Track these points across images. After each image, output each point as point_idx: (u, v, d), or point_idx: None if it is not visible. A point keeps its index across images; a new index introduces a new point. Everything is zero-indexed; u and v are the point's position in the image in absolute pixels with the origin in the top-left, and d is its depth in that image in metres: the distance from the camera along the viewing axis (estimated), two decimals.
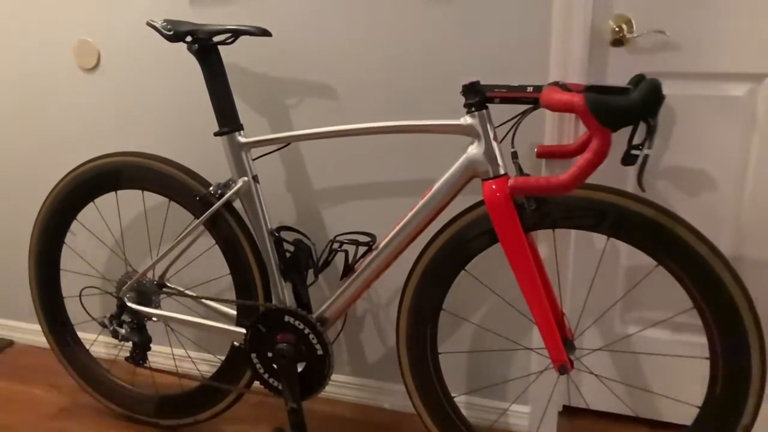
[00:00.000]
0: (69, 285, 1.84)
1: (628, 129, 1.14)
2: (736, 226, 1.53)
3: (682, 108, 1.48)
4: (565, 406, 1.82)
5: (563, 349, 1.27)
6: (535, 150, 1.38)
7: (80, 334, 1.87)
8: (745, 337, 1.18)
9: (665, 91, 1.46)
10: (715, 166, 1.50)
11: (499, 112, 1.29)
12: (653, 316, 1.64)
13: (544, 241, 1.55)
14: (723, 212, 1.52)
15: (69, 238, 1.77)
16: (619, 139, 1.30)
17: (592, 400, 1.77)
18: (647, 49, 1.47)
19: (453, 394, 1.49)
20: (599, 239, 1.63)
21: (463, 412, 1.77)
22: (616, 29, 1.46)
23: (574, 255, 1.66)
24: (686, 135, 1.50)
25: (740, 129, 1.46)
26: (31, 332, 2.23)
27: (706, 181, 1.52)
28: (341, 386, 1.89)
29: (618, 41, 1.48)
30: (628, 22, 1.46)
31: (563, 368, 1.27)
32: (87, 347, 1.86)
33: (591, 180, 1.24)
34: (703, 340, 1.24)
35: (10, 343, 2.26)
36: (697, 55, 1.44)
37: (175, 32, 1.42)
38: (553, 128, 1.48)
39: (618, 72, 1.50)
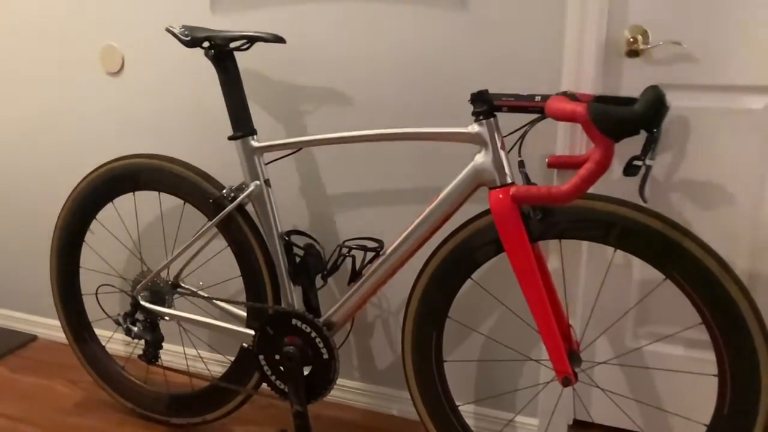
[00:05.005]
0: (87, 283, 1.89)
1: (639, 140, 1.13)
2: (753, 241, 1.49)
3: (699, 120, 1.46)
4: (576, 420, 1.80)
5: (567, 361, 1.26)
6: (546, 160, 1.37)
7: (98, 331, 1.91)
8: (755, 354, 1.16)
9: (681, 103, 1.46)
10: (731, 179, 1.47)
11: (510, 121, 1.29)
12: (667, 331, 1.61)
13: (554, 252, 1.54)
14: (739, 227, 1.49)
15: (88, 236, 1.82)
16: (629, 150, 1.29)
17: (603, 414, 1.74)
18: (663, 61, 1.45)
19: (458, 403, 1.48)
20: (612, 251, 1.61)
21: (472, 422, 1.77)
22: (632, 40, 1.45)
23: (586, 267, 1.64)
24: (702, 148, 1.47)
25: (758, 142, 1.43)
26: (53, 328, 2.28)
27: (722, 194, 1.49)
28: (350, 392, 1.90)
29: (633, 52, 1.46)
30: (644, 33, 1.45)
31: (567, 380, 1.26)
32: (104, 344, 1.90)
33: (607, 192, 1.23)
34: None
35: (33, 338, 2.32)
36: (714, 67, 1.42)
37: (192, 38, 1.45)
38: (565, 138, 1.47)
39: (633, 83, 1.48)
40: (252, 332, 1.55)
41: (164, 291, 1.69)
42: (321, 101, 1.68)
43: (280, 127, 1.75)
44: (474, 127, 1.26)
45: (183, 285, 1.71)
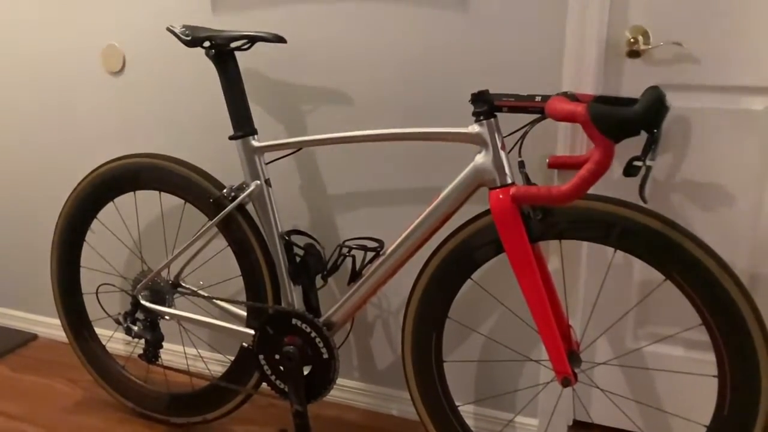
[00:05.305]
0: (88, 282, 1.89)
1: (639, 140, 1.14)
2: (753, 242, 1.49)
3: (699, 121, 1.46)
4: (576, 421, 1.80)
5: (567, 362, 1.26)
6: (547, 160, 1.37)
7: (99, 330, 1.91)
8: (755, 355, 1.16)
9: (682, 103, 1.46)
10: (732, 180, 1.47)
11: (510, 121, 1.29)
12: (667, 331, 1.61)
13: (554, 252, 1.54)
14: (740, 228, 1.49)
15: (89, 235, 1.82)
16: (629, 150, 1.29)
17: (603, 415, 1.74)
18: (664, 61, 1.45)
19: (458, 403, 1.48)
20: (612, 252, 1.61)
21: (472, 422, 1.77)
22: (632, 40, 1.45)
23: (586, 267, 1.64)
24: (703, 148, 1.47)
25: (758, 143, 1.43)
26: (53, 327, 2.29)
27: (722, 195, 1.49)
28: (350, 391, 1.90)
29: (634, 53, 1.46)
30: (645, 34, 1.44)
31: (566, 381, 1.26)
32: (104, 343, 1.90)
33: (607, 193, 1.23)
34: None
35: (33, 337, 2.32)
36: (715, 68, 1.42)
37: (193, 38, 1.45)
38: (566, 138, 1.47)
39: (634, 83, 1.48)
40: (252, 332, 1.56)
41: (164, 290, 1.69)
42: (321, 101, 1.68)
43: (280, 127, 1.75)
44: (474, 128, 1.26)
45: (183, 284, 1.71)
